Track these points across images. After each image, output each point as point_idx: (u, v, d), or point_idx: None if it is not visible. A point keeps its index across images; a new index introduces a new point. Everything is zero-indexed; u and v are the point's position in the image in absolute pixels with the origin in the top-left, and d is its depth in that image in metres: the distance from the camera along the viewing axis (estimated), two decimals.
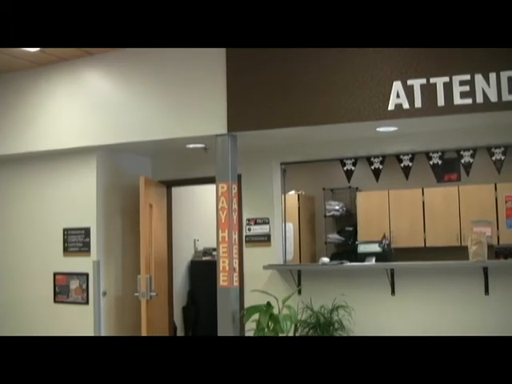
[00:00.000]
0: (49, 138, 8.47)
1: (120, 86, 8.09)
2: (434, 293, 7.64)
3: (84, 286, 8.39)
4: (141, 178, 8.43)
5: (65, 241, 8.62)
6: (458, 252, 8.54)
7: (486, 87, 6.49)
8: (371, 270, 8.10)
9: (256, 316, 7.12)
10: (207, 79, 7.53)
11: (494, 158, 7.82)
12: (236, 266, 7.39)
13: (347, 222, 12.18)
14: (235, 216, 7.45)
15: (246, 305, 7.87)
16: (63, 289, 8.57)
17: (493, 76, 6.48)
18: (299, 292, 7.95)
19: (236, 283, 7.39)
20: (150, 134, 7.85)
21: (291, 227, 10.05)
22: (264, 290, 7.55)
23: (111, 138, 8.08)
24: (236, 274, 7.38)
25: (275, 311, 7.12)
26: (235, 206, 7.45)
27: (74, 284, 8.49)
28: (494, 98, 6.47)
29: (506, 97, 6.46)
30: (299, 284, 8.14)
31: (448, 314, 7.51)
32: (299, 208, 11.88)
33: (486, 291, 7.42)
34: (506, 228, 10.75)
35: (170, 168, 9.25)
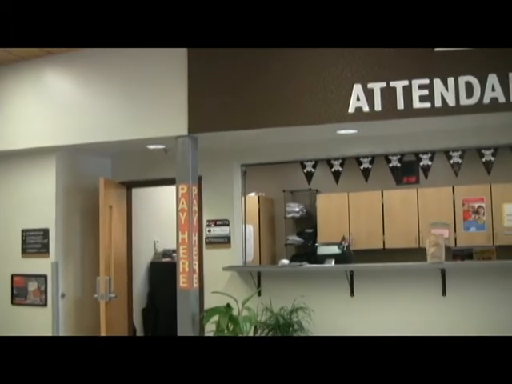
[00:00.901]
0: (8, 137, 8.36)
1: (81, 86, 8.01)
2: (393, 294, 7.71)
3: (42, 288, 8.30)
4: (100, 179, 8.38)
5: (23, 242, 8.52)
6: (417, 254, 8.63)
7: (444, 91, 6.58)
8: (331, 271, 8.15)
9: (216, 318, 7.11)
10: (168, 80, 7.50)
11: (451, 161, 7.92)
12: (196, 267, 7.38)
13: (307, 223, 12.23)
14: (195, 217, 7.44)
15: (206, 306, 7.86)
16: (21, 291, 8.47)
17: (451, 81, 6.57)
18: (259, 294, 7.96)
19: (196, 285, 7.38)
20: (110, 134, 7.79)
21: (251, 229, 10.07)
22: (224, 291, 7.53)
23: (71, 139, 8.00)
24: (196, 276, 7.37)
25: (235, 313, 7.12)
26: (195, 208, 7.44)
27: (33, 286, 8.40)
28: (452, 102, 6.56)
29: (463, 101, 6.56)
30: (259, 286, 8.17)
31: (406, 314, 7.60)
32: (259, 210, 11.89)
33: (444, 292, 7.52)
34: (463, 230, 10.90)
35: (130, 169, 9.20)
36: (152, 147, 8.25)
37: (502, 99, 6.51)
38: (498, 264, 8.14)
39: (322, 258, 8.71)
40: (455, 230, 10.81)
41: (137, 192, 9.55)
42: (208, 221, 8.59)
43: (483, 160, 7.85)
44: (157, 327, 10.28)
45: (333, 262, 8.46)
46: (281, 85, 7.08)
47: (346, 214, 11.63)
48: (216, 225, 8.56)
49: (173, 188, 7.54)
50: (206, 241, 8.57)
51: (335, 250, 8.85)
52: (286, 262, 8.49)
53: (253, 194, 11.69)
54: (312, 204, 12.19)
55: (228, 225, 8.50)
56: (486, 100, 6.54)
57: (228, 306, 7.15)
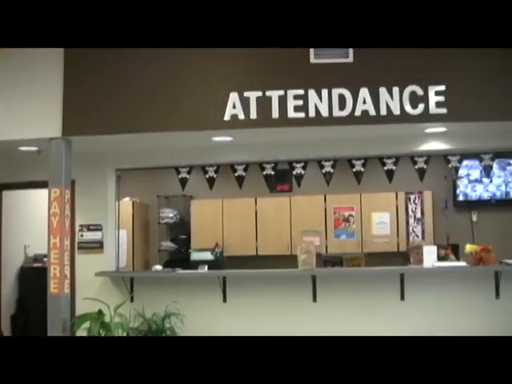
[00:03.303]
0: None
1: None
2: (265, 299, 7.84)
3: None
4: None
5: None
6: (289, 260, 8.76)
7: (318, 102, 6.76)
8: (204, 277, 8.19)
9: (87, 324, 7.00)
10: (43, 81, 7.31)
11: (323, 171, 8.14)
12: (68, 272, 7.24)
13: (181, 229, 12.20)
14: (67, 222, 7.29)
15: (78, 312, 7.70)
16: None
17: (325, 92, 6.76)
18: (131, 299, 7.89)
19: (67, 290, 7.23)
20: None
21: (125, 234, 9.96)
22: (96, 297, 7.41)
23: None
24: (67, 281, 7.23)
25: (107, 319, 7.03)
26: (68, 212, 7.29)
27: None
28: (325, 113, 6.76)
29: (336, 112, 6.76)
30: (132, 291, 8.10)
31: (278, 320, 7.73)
32: (133, 215, 11.77)
33: (314, 298, 7.69)
34: (333, 238, 11.17)
35: (1, 171, 8.91)
36: (24, 149, 8.02)
37: (372, 112, 6.77)
38: (367, 270, 8.40)
39: (195, 264, 8.72)
40: (326, 238, 11.06)
41: (8, 194, 9.25)
42: (81, 225, 8.45)
43: (353, 170, 8.11)
44: (26, 334, 9.99)
45: (206, 267, 8.49)
46: (157, 90, 7.06)
47: (219, 220, 11.68)
48: (89, 229, 8.43)
49: (46, 191, 7.36)
50: (78, 246, 8.43)
51: (208, 256, 8.89)
52: (159, 267, 8.47)
53: (127, 199, 11.57)
54: (186, 210, 12.17)
55: (101, 230, 8.40)
56: (358, 112, 6.78)
57: (100, 312, 7.05)
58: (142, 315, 7.68)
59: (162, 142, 7.78)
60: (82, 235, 8.44)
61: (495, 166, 10.09)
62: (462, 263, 7.70)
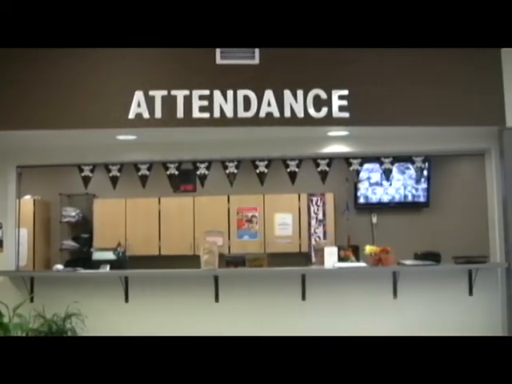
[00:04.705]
0: None
1: None
2: (168, 300, 7.82)
3: None
4: None
5: None
6: (192, 260, 8.77)
7: (223, 103, 6.81)
8: (106, 277, 8.10)
9: None
10: None
11: (227, 171, 8.17)
12: None
13: (83, 228, 12.03)
14: None
15: None
16: None
17: (230, 93, 6.81)
18: (31, 300, 7.74)
19: None
20: None
21: (25, 233, 9.75)
22: None
23: None
24: None
25: (5, 320, 6.88)
26: None
27: None
28: (230, 113, 6.81)
29: (241, 114, 6.83)
30: (32, 291, 7.93)
31: (180, 320, 7.72)
32: (34, 213, 11.54)
33: (217, 298, 7.73)
34: (236, 238, 11.24)
35: None
36: None
37: (276, 114, 6.87)
38: (269, 271, 8.48)
39: (97, 264, 8.61)
40: (229, 238, 11.12)
41: None
42: None
43: (257, 171, 8.17)
44: None
45: (108, 267, 8.40)
46: (60, 87, 6.97)
47: (122, 219, 11.57)
48: None
49: None
50: None
51: (110, 255, 8.78)
52: (60, 267, 8.32)
53: (28, 197, 11.33)
54: (89, 209, 12.01)
55: (0, 228, 8.19)
56: (262, 114, 6.87)
57: None
58: (42, 316, 7.53)
59: (65, 139, 7.66)
60: None
61: (395, 169, 10.40)
62: (362, 264, 7.88)
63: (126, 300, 7.86)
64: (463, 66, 7.37)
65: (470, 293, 7.71)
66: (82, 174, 8.43)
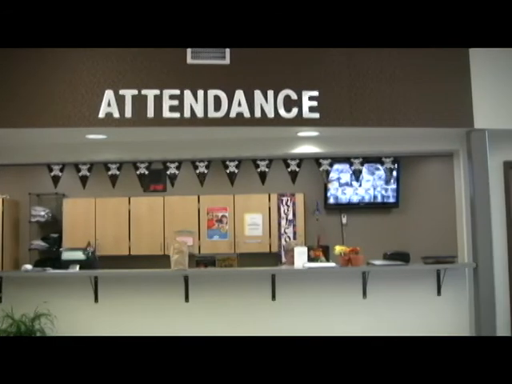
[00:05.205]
0: None
1: None
2: (138, 300, 7.78)
3: None
4: None
5: None
6: (162, 260, 8.75)
7: (194, 103, 6.81)
8: (75, 277, 8.05)
9: None
10: None
11: (197, 171, 8.17)
12: None
13: (53, 228, 11.94)
14: None
15: None
16: None
17: (201, 93, 6.81)
18: (0, 300, 7.67)
19: None
20: None
21: None
22: None
23: None
24: None
25: None
26: None
27: None
28: (200, 113, 6.81)
29: (211, 114, 6.84)
30: (0, 291, 7.86)
31: (150, 320, 7.69)
32: (3, 213, 11.43)
33: (187, 298, 7.72)
34: (206, 238, 11.22)
35: None
36: None
37: (247, 114, 6.89)
38: (239, 271, 8.50)
39: (67, 264, 8.56)
40: (199, 238, 11.10)
41: None
42: None
43: (227, 171, 8.18)
44: None
45: (77, 267, 8.35)
46: (29, 85, 6.92)
47: (92, 219, 11.51)
48: None
49: None
50: None
51: (80, 255, 8.73)
52: (29, 267, 8.25)
53: None
54: (58, 208, 11.93)
55: None
56: (233, 114, 6.89)
57: None
58: (10, 316, 7.47)
59: (35, 138, 7.61)
60: None
61: (364, 170, 10.45)
62: (332, 264, 7.91)
63: (96, 300, 7.82)
64: (432, 67, 7.44)
65: (439, 293, 7.79)
66: (52, 174, 8.39)
